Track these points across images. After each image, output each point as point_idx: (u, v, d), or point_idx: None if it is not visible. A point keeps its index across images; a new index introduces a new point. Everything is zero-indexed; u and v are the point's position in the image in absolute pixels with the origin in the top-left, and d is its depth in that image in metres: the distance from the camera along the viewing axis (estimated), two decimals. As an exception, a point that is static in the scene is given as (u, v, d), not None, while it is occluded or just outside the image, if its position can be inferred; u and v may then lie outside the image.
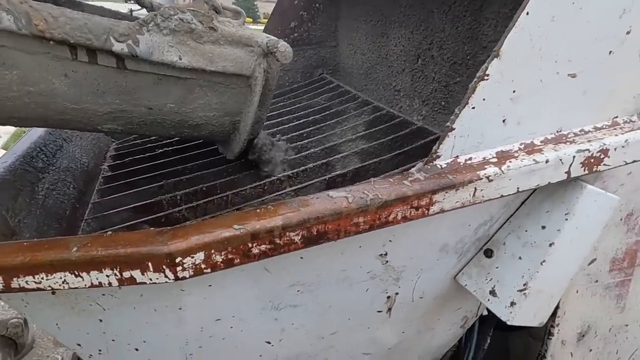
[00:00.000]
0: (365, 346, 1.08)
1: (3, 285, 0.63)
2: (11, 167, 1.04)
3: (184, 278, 0.61)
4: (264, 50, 0.93)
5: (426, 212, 0.71)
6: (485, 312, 1.28)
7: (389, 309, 1.00)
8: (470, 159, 0.75)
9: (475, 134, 0.74)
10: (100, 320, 0.77)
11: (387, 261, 0.88)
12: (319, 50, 2.31)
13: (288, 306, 0.86)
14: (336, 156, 1.32)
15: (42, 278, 0.62)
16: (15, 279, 0.62)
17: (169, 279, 0.60)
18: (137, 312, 0.75)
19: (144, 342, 0.81)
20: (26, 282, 0.63)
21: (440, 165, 0.74)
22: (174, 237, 0.60)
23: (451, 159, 0.75)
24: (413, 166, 1.12)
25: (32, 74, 0.83)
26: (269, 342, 0.90)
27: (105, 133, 1.65)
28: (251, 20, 26.56)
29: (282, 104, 1.96)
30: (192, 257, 0.60)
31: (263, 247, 0.63)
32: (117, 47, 0.81)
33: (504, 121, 0.77)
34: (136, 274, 0.60)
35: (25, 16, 0.74)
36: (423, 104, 1.58)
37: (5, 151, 5.11)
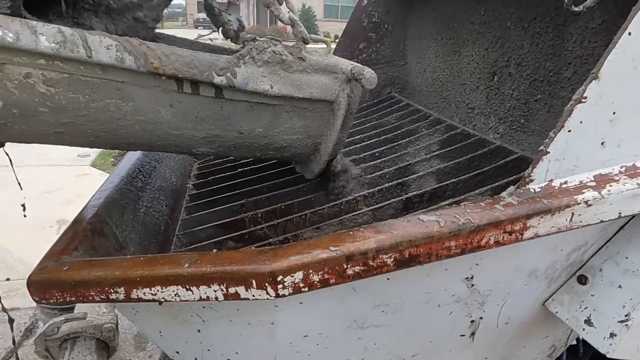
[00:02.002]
0: (445, 371, 1.06)
1: (124, 296, 0.71)
2: (117, 187, 1.16)
3: (283, 295, 0.64)
4: (348, 76, 0.98)
5: (520, 237, 0.70)
6: (574, 342, 1.21)
7: (472, 334, 0.98)
8: (565, 182, 0.73)
9: (571, 157, 0.72)
10: (199, 331, 0.84)
11: (472, 285, 0.87)
12: (387, 70, 2.34)
13: (372, 326, 0.88)
14: (411, 176, 1.33)
15: (158, 290, 0.69)
16: (134, 290, 0.70)
17: (270, 295, 0.64)
18: (233, 324, 0.80)
19: (237, 353, 0.86)
20: (143, 293, 0.70)
21: (534, 190, 0.73)
22: (275, 257, 0.64)
23: (545, 183, 0.73)
24: (498, 187, 1.10)
25: (144, 105, 0.93)
26: (351, 361, 0.92)
27: (196, 155, 1.78)
28: (311, 39, 27.18)
29: (353, 123, 2.00)
30: (292, 276, 0.64)
31: (357, 268, 0.66)
32: (218, 79, 0.89)
33: (602, 144, 0.74)
34: (241, 289, 0.65)
35: (143, 56, 0.84)
36: (500, 121, 1.54)
37: (94, 168, 5.60)
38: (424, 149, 1.53)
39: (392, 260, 0.66)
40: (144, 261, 0.72)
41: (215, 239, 1.22)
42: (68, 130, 0.94)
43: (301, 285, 0.64)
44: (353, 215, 1.17)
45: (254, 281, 0.64)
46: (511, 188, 0.74)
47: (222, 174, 1.69)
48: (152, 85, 0.90)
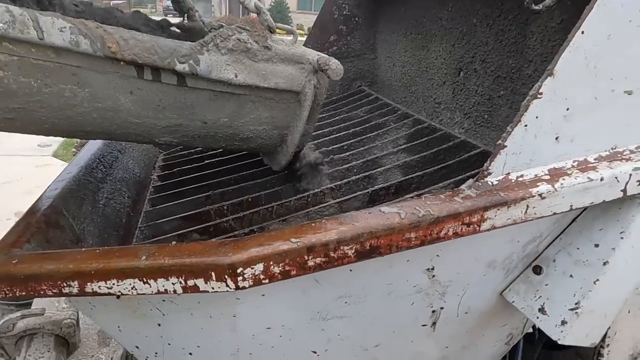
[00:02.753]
0: (408, 360, 1.08)
1: (78, 290, 0.68)
2: (75, 178, 1.12)
3: (243, 287, 0.64)
4: (314, 67, 0.97)
5: (477, 228, 0.72)
6: (530, 330, 1.25)
7: (434, 323, 1.00)
8: (521, 176, 0.75)
9: (527, 151, 0.74)
10: (159, 325, 0.82)
11: (433, 275, 0.89)
12: (357, 63, 2.34)
13: (335, 317, 0.88)
14: (378, 169, 1.34)
15: (114, 284, 0.67)
16: (89, 283, 0.67)
17: (230, 288, 0.64)
18: (194, 318, 0.79)
19: (198, 347, 0.85)
20: (99, 287, 0.68)
21: (492, 182, 0.75)
22: (235, 249, 0.64)
23: (502, 176, 0.75)
24: (460, 181, 1.13)
25: (102, 92, 0.89)
26: (315, 352, 0.92)
27: (159, 145, 1.74)
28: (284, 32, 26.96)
29: (322, 116, 2.00)
30: (252, 268, 0.63)
31: (318, 259, 0.66)
32: (180, 66, 0.86)
33: (556, 139, 0.76)
34: (200, 282, 0.64)
35: (100, 40, 0.80)
36: (465, 117, 1.58)
37: (55, 159, 5.38)
38: (392, 142, 1.55)
39: (353, 251, 0.67)
40: (99, 254, 0.69)
41: (179, 232, 1.20)
42: (19, 116, 0.89)
43: (262, 277, 0.64)
44: (319, 207, 1.17)
45: (213, 273, 0.63)
46: (470, 181, 0.75)
47: (189, 165, 1.66)
48: (110, 71, 0.86)
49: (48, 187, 1.06)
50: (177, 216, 1.29)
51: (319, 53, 0.99)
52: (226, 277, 0.63)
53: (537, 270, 0.92)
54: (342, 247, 0.66)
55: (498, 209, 0.71)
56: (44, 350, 1.57)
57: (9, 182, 4.70)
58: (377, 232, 0.66)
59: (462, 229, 0.71)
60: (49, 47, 0.79)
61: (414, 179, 1.23)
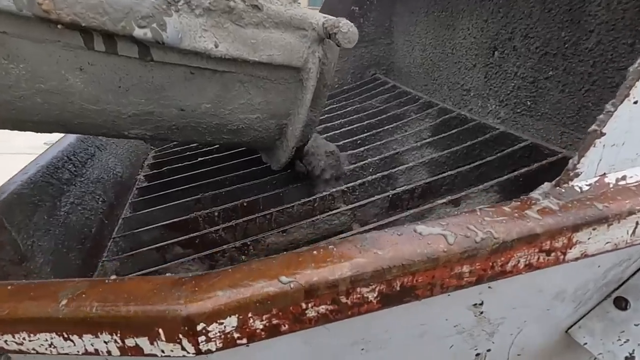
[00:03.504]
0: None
1: (-23, 344, 0.47)
2: (31, 180, 0.91)
3: (208, 352, 0.42)
4: (319, 34, 0.74)
5: (562, 257, 0.49)
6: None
7: (476, 368, 0.77)
8: (623, 178, 0.52)
9: (634, 142, 0.51)
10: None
11: (481, 312, 0.65)
12: (371, 49, 2.11)
13: (348, 367, 0.65)
14: (399, 167, 1.11)
15: (24, 338, 0.45)
16: (-8, 336, 0.46)
17: (188, 352, 0.42)
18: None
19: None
20: (5, 341, 0.46)
21: (581, 188, 0.51)
22: (195, 292, 0.42)
23: (596, 179, 0.52)
24: (507, 182, 0.89)
25: (42, 68, 0.68)
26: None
27: (139, 139, 1.53)
28: None
29: (332, 107, 1.77)
30: (221, 324, 0.41)
31: (323, 308, 0.43)
32: (139, 32, 0.64)
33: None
34: (143, 342, 0.42)
35: (27, -6, 0.59)
36: (501, 104, 1.33)
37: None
38: (414, 135, 1.31)
39: (375, 295, 0.44)
40: (9, 292, 0.48)
41: (159, 244, 0.99)
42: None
43: (236, 336, 0.42)
44: (328, 215, 0.95)
45: (161, 330, 0.41)
46: (547, 185, 0.52)
47: (180, 164, 1.45)
48: (48, 39, 0.65)
49: (-8, 190, 0.85)
50: (160, 224, 1.08)
51: (324, 15, 0.77)
52: (181, 336, 0.41)
53: (621, 303, 0.68)
54: (359, 289, 0.43)
55: (594, 229, 0.47)
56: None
57: None
58: (413, 265, 0.44)
59: (539, 258, 0.48)
60: (-43, 4, 0.58)
61: (444, 180, 1.00)
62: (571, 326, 0.75)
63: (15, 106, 0.73)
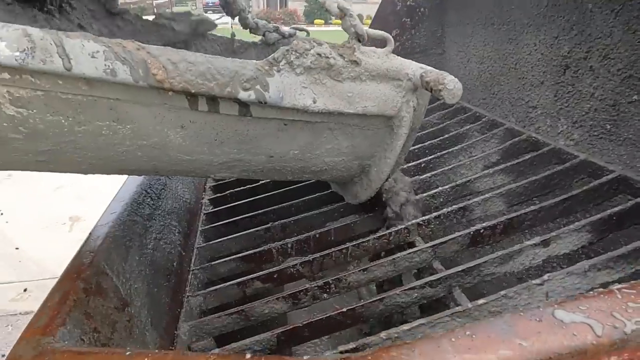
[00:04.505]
0: None
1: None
2: (120, 220, 0.95)
3: None
4: (415, 84, 0.73)
5: None
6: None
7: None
8: None
9: None
10: None
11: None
12: (422, 60, 2.03)
13: None
14: (474, 199, 1.08)
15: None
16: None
17: None
18: None
19: None
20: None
21: None
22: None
23: None
24: (599, 222, 0.85)
25: (147, 128, 0.70)
26: None
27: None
28: (322, 22, 26.62)
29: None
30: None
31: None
32: (244, 94, 0.65)
33: None
34: None
35: (142, 65, 0.61)
36: (574, 125, 1.28)
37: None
38: (482, 159, 1.28)
39: (521, 388, 0.44)
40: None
41: (239, 280, 1.01)
42: (52, 159, 0.72)
43: None
44: (409, 253, 0.94)
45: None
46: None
47: (242, 187, 1.47)
48: (156, 103, 0.67)
49: (89, 235, 0.89)
50: (234, 256, 1.10)
51: (421, 65, 0.75)
52: None
53: None
54: (505, 383, 0.43)
55: None
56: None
57: (61, 186, 4.80)
58: (561, 358, 0.43)
59: (690, 348, 0.46)
60: (79, 78, 0.61)
61: (527, 215, 0.97)
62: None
63: (117, 160, 0.76)
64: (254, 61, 0.66)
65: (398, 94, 0.75)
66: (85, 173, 0.83)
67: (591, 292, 0.48)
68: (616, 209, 0.87)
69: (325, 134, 0.79)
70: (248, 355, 0.50)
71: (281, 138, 0.77)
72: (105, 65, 0.59)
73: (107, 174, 0.85)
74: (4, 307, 3.08)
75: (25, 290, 3.21)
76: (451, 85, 0.68)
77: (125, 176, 1.17)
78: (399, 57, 0.77)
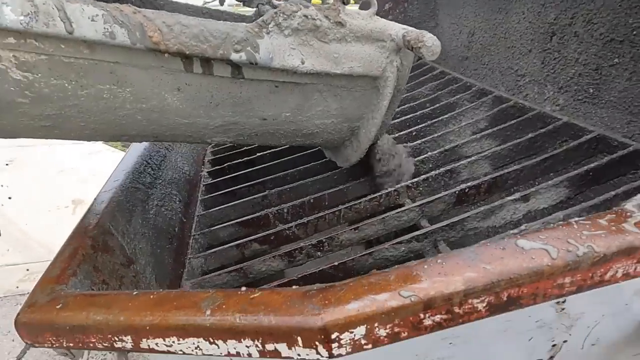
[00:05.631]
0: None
1: (132, 345, 0.56)
2: (123, 186, 1.00)
3: (339, 356, 0.48)
4: (398, 44, 0.77)
5: (658, 266, 0.52)
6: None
7: (551, 357, 0.82)
8: None
9: None
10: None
11: (563, 309, 0.69)
12: (416, 33, 2.09)
13: (435, 359, 0.71)
14: (461, 162, 1.13)
15: (173, 342, 0.53)
16: (144, 339, 0.55)
17: (322, 355, 0.48)
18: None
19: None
20: (156, 344, 0.54)
21: (677, 200, 0.54)
22: (326, 304, 0.48)
23: (692, 191, 0.54)
24: (576, 177, 0.90)
25: (145, 91, 0.75)
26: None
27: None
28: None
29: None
30: (352, 332, 0.47)
31: (438, 317, 0.49)
32: (236, 56, 0.69)
33: None
34: (282, 347, 0.49)
35: (139, 28, 0.65)
36: (560, 91, 1.32)
37: (106, 145, 5.48)
38: (471, 126, 1.33)
39: (484, 305, 0.49)
40: (153, 302, 0.56)
41: (238, 241, 1.06)
42: (57, 124, 0.77)
43: (363, 342, 0.48)
44: (397, 212, 0.99)
45: (299, 338, 0.47)
46: (640, 197, 0.55)
47: (239, 159, 1.52)
48: (153, 66, 0.71)
49: (94, 200, 0.94)
50: (233, 221, 1.16)
51: (403, 26, 0.79)
52: (317, 343, 0.47)
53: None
54: (470, 301, 0.48)
55: (692, 240, 0.50)
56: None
57: (63, 170, 4.85)
58: (519, 278, 0.48)
59: (636, 268, 0.51)
60: (81, 41, 0.64)
61: (510, 174, 1.02)
62: (647, 319, 0.78)
63: (119, 123, 0.80)
64: (244, 24, 0.70)
65: (382, 55, 0.79)
66: (89, 139, 0.87)
67: (552, 225, 0.53)
68: (592, 165, 0.92)
69: (315, 96, 0.83)
70: (243, 288, 0.55)
71: (273, 100, 0.82)
72: (104, 28, 0.63)
73: (109, 140, 0.90)
74: (11, 288, 3.17)
75: (27, 270, 3.29)
76: (430, 42, 0.72)
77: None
78: (382, 19, 0.81)
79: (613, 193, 0.81)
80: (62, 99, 0.72)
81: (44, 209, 4.37)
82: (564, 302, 0.68)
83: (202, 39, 0.67)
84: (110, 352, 1.21)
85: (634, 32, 1.06)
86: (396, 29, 0.78)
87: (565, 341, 0.78)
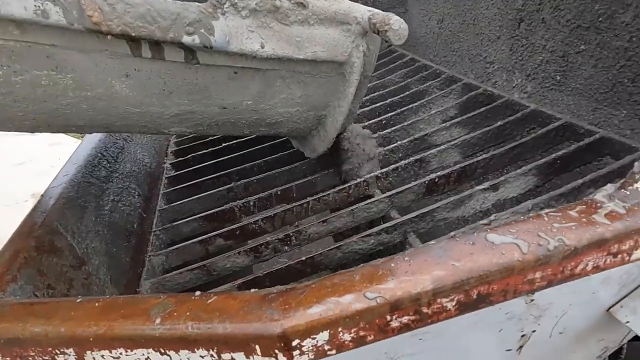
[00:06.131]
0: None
1: (75, 358, 0.51)
2: (74, 181, 0.93)
3: (301, 363, 0.45)
4: (364, 27, 0.73)
5: (627, 258, 0.51)
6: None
7: (520, 347, 0.81)
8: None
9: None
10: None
11: (532, 300, 0.68)
12: (386, 19, 2.05)
13: (404, 356, 0.69)
14: (430, 150, 1.11)
15: (121, 353, 0.48)
16: (89, 352, 0.49)
17: (283, 364, 0.44)
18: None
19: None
20: (102, 356, 0.49)
21: (646, 190, 0.52)
22: (286, 309, 0.44)
23: (661, 180, 0.53)
24: (544, 165, 0.89)
25: (89, 77, 0.68)
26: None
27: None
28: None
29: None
30: (314, 338, 0.43)
31: (405, 319, 0.46)
32: (188, 39, 0.64)
33: None
34: (239, 356, 0.45)
35: (76, 6, 0.58)
36: (527, 78, 1.31)
37: (67, 136, 5.23)
38: (440, 114, 1.31)
39: (454, 304, 0.47)
40: (98, 310, 0.51)
41: (201, 237, 1.01)
42: (-10, 115, 0.69)
43: (326, 348, 0.45)
44: (367, 204, 0.96)
45: (257, 347, 0.43)
46: (610, 187, 0.53)
47: (204, 150, 1.46)
48: (95, 49, 0.64)
49: (41, 196, 0.87)
50: (197, 215, 1.10)
51: (369, 8, 0.75)
52: (277, 351, 0.43)
53: (666, 285, 0.71)
54: (439, 300, 0.46)
55: (662, 231, 0.49)
56: None
57: (22, 163, 4.61)
58: (489, 275, 0.46)
59: (606, 261, 0.50)
60: (9, 20, 0.57)
61: (479, 163, 1.01)
62: (613, 305, 0.78)
63: (62, 113, 0.73)
64: (197, 3, 0.64)
65: (348, 39, 0.75)
66: (32, 131, 0.80)
67: (522, 217, 0.51)
68: (560, 152, 0.91)
69: (277, 82, 0.79)
70: (197, 293, 0.51)
71: (232, 87, 0.76)
72: (35, 6, 0.56)
73: (56, 131, 0.82)
74: (-33, 287, 3.00)
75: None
76: (396, 25, 0.68)
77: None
78: (348, 0, 0.76)
79: (580, 181, 0.81)
80: (-7, 87, 0.64)
81: (1, 204, 4.15)
82: (533, 293, 0.66)
83: (149, 20, 0.61)
84: None
85: (600, 19, 1.06)
86: (362, 11, 0.74)
87: (534, 331, 0.78)
